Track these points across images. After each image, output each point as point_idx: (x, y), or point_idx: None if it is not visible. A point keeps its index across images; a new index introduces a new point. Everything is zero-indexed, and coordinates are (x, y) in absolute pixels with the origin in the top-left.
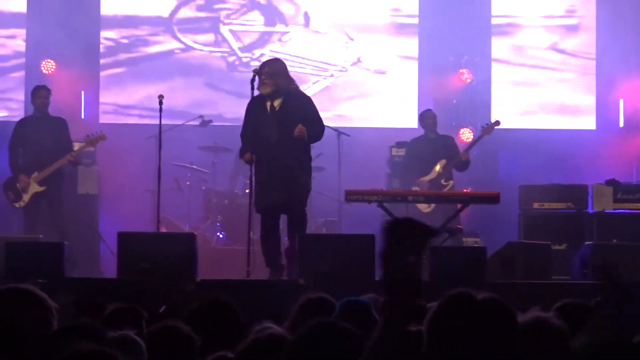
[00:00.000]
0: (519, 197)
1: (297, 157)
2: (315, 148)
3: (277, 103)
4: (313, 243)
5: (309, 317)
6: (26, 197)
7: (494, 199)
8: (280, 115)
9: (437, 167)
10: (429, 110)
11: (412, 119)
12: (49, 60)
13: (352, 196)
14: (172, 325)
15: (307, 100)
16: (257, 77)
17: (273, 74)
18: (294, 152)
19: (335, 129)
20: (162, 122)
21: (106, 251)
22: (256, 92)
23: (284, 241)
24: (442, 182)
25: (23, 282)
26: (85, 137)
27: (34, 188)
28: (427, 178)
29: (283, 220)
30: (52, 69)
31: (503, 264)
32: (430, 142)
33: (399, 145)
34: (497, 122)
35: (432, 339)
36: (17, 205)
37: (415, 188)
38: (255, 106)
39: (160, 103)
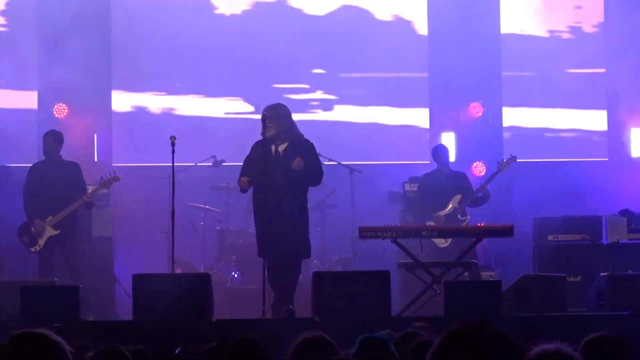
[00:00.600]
0: (533, 229)
1: (300, 203)
2: (328, 185)
3: (282, 148)
4: (328, 280)
5: (307, 356)
6: (41, 241)
7: (507, 232)
8: (285, 161)
9: (453, 203)
10: (442, 144)
11: (424, 154)
12: (61, 104)
13: (366, 233)
14: None
15: (310, 147)
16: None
17: (275, 117)
18: (296, 197)
19: (348, 166)
20: (175, 163)
21: (122, 293)
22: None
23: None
24: (459, 217)
25: (38, 325)
26: (98, 179)
27: (49, 232)
28: (442, 213)
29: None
30: (65, 113)
31: (518, 297)
32: (443, 177)
33: (412, 180)
34: (514, 158)
35: None
36: (32, 249)
37: (430, 223)
38: (260, 149)
39: (173, 144)
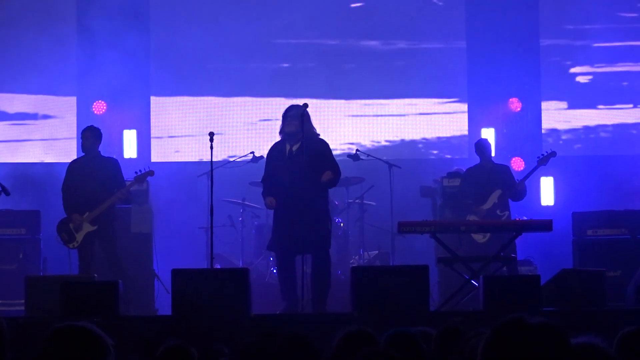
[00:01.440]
0: (572, 224)
1: (313, 200)
2: (366, 181)
3: (295, 147)
4: (366, 275)
5: (350, 350)
6: (79, 237)
7: (546, 226)
8: (298, 159)
9: (494, 197)
10: (484, 139)
11: (463, 149)
12: (100, 101)
13: (405, 228)
14: None
15: (325, 146)
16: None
17: (297, 115)
18: (309, 196)
19: (387, 161)
20: (214, 158)
21: (161, 289)
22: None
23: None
24: (498, 212)
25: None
26: (133, 175)
27: (87, 228)
28: (484, 207)
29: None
30: (104, 110)
31: (557, 291)
32: (486, 171)
33: (450, 175)
34: (554, 153)
35: None
36: (70, 246)
37: (471, 217)
38: (275, 150)
39: (211, 140)
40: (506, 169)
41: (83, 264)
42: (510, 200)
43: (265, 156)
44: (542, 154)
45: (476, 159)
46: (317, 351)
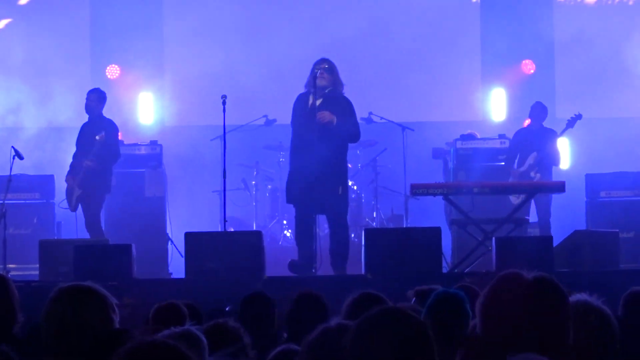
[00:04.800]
0: (585, 185)
1: (331, 159)
2: (380, 143)
3: (319, 101)
4: (379, 237)
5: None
6: (72, 201)
7: (559, 188)
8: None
9: (530, 160)
10: (540, 102)
11: (475, 111)
12: (113, 65)
13: (418, 190)
14: (223, 322)
15: (348, 103)
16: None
17: (331, 70)
18: (328, 154)
19: (400, 124)
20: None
21: (174, 252)
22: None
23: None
24: (532, 174)
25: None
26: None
27: (76, 192)
28: (520, 170)
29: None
30: (117, 74)
31: (570, 252)
32: (531, 134)
33: (463, 137)
34: (579, 116)
35: (484, 320)
36: (71, 209)
37: (511, 179)
38: (300, 101)
39: (224, 103)
40: (551, 133)
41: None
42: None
43: (277, 120)
44: (571, 117)
45: (487, 122)
46: (329, 311)
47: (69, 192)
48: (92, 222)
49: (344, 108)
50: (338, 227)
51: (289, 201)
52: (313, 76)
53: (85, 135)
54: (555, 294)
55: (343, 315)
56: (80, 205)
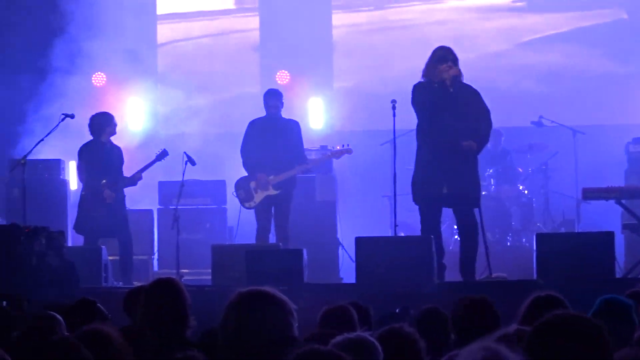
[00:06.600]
0: None
1: (471, 148)
2: (550, 147)
3: (452, 90)
4: (551, 242)
5: (539, 314)
6: (257, 198)
7: None
8: (459, 102)
9: None
10: None
11: None
12: (283, 71)
13: (590, 194)
14: (398, 327)
15: (478, 93)
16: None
17: (457, 61)
18: (469, 141)
19: (571, 128)
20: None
21: (345, 257)
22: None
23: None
24: None
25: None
26: (331, 150)
27: (269, 190)
28: None
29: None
30: (287, 80)
31: None
32: None
33: (636, 141)
34: None
35: None
36: (247, 205)
37: None
38: (431, 91)
39: (394, 107)
40: None
41: (260, 225)
42: None
43: None
44: None
45: None
46: (499, 317)
47: (256, 189)
48: (287, 225)
49: (477, 95)
50: (470, 226)
51: (416, 201)
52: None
53: (265, 135)
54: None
55: (519, 320)
56: (269, 205)
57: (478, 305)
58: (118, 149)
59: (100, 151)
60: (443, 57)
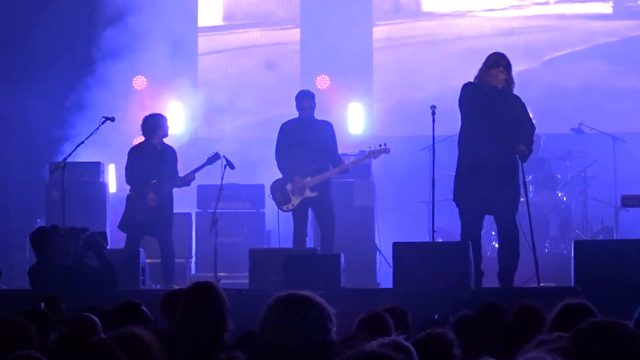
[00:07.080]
0: None
1: (513, 158)
2: (590, 154)
3: (501, 95)
4: (590, 249)
5: (569, 321)
6: (295, 201)
7: None
8: (507, 109)
9: None
10: None
11: None
12: (324, 75)
13: (629, 201)
14: (438, 332)
15: (525, 106)
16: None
17: (509, 67)
18: (511, 150)
19: (611, 135)
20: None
21: (382, 262)
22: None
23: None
24: None
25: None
26: (367, 150)
27: (306, 193)
28: None
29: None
30: (327, 84)
31: None
32: None
33: None
34: None
35: None
36: (284, 208)
37: None
38: (480, 91)
39: (433, 113)
40: None
41: (297, 227)
42: None
43: None
44: None
45: None
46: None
47: (293, 192)
48: (333, 228)
49: (522, 105)
50: (510, 237)
51: (454, 200)
52: (494, 72)
53: (300, 137)
54: None
55: (547, 327)
56: (306, 207)
57: (527, 312)
58: (170, 149)
59: (150, 152)
60: (496, 62)
